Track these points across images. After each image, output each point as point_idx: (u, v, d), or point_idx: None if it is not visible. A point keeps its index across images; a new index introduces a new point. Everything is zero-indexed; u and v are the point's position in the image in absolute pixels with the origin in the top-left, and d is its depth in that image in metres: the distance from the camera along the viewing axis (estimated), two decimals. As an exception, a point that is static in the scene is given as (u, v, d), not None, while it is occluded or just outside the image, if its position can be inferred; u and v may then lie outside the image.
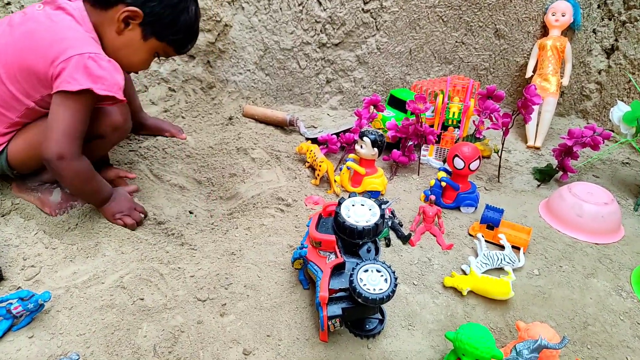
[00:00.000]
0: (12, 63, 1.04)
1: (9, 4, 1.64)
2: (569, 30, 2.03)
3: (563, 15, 1.94)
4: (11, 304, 0.88)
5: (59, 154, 1.03)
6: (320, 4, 1.88)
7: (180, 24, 1.12)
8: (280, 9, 1.86)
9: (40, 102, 1.08)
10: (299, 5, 1.86)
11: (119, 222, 1.19)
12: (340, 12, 1.90)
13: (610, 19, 2.00)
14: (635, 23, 1.92)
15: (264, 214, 1.32)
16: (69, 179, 1.09)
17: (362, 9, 1.91)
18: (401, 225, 1.30)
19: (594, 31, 2.04)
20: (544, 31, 2.05)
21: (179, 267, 1.09)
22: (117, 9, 1.04)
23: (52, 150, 1.02)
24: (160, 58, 1.29)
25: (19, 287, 0.99)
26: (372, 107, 1.58)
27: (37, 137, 1.11)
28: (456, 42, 2.06)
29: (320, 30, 1.93)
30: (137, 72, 1.32)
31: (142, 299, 0.99)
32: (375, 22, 1.95)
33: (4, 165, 1.15)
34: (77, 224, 1.19)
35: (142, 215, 1.23)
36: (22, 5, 1.65)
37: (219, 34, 1.85)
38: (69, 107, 1.02)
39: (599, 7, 2.00)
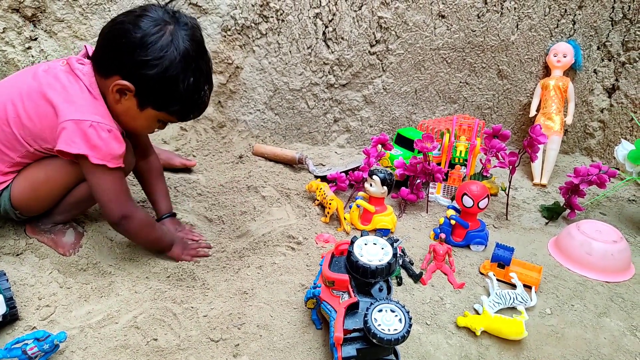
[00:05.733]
0: (23, 110, 1.07)
1: (29, 48, 1.71)
2: (571, 71, 2.08)
3: (564, 57, 2.00)
4: (27, 344, 0.88)
5: (122, 216, 1.11)
6: (328, 47, 1.95)
7: (177, 97, 1.07)
8: (290, 51, 1.93)
9: (39, 149, 1.11)
10: (308, 48, 1.93)
11: (187, 259, 1.27)
12: (348, 55, 1.96)
13: (610, 60, 2.06)
14: (635, 64, 1.98)
15: (275, 252, 1.33)
16: (138, 231, 1.18)
17: (369, 52, 1.98)
18: (412, 264, 1.30)
19: (595, 71, 2.10)
20: (546, 71, 2.10)
21: (192, 307, 1.09)
22: (113, 79, 1.05)
23: (115, 215, 1.10)
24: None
25: (34, 327, 0.99)
26: (380, 145, 1.61)
27: (36, 175, 1.13)
28: (460, 82, 2.11)
29: (328, 72, 1.99)
30: (145, 133, 1.32)
31: (155, 340, 0.99)
32: (382, 64, 2.02)
33: (8, 207, 1.16)
34: (90, 263, 1.20)
35: (208, 250, 1.33)
36: (42, 49, 1.72)
37: (230, 76, 1.91)
38: (104, 173, 1.07)
39: (598, 48, 2.06)
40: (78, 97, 1.05)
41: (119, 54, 1.03)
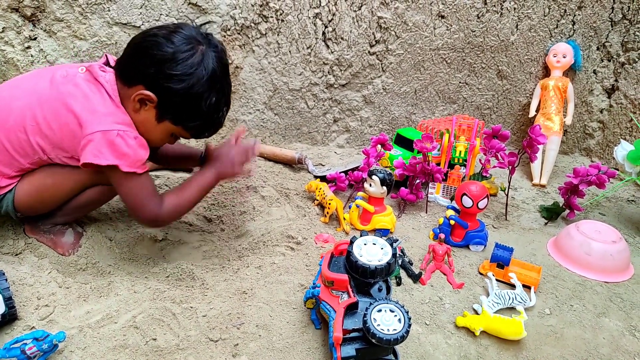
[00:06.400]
0: (42, 118, 1.06)
1: (29, 47, 1.71)
2: (570, 71, 2.08)
3: (564, 57, 2.00)
4: (26, 344, 0.88)
5: (151, 219, 1.12)
6: (327, 47, 1.95)
7: (198, 113, 1.09)
8: (290, 51, 1.93)
9: (54, 159, 1.11)
10: (308, 48, 1.93)
11: (242, 173, 1.25)
12: (347, 55, 1.96)
13: (609, 60, 2.06)
14: (634, 64, 1.98)
15: (275, 252, 1.33)
16: (174, 220, 1.21)
17: (369, 52, 1.98)
18: (411, 264, 1.30)
19: (594, 72, 2.10)
20: (546, 72, 2.11)
21: (191, 307, 1.09)
22: (136, 89, 1.06)
23: (145, 219, 1.12)
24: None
25: (33, 327, 0.99)
26: (379, 145, 1.61)
27: (43, 180, 1.13)
28: (460, 82, 2.11)
29: (328, 72, 1.99)
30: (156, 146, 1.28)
31: (154, 339, 0.99)
32: (381, 64, 2.02)
33: (10, 208, 1.16)
34: (90, 263, 1.21)
35: (253, 143, 1.28)
36: (41, 49, 1.72)
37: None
38: (133, 179, 1.07)
39: (598, 49, 2.06)
40: (101, 106, 1.05)
41: (148, 64, 1.04)
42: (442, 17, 1.96)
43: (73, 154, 1.09)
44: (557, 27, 2.03)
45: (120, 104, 1.08)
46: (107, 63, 1.14)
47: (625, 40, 2.00)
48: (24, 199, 1.15)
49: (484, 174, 1.70)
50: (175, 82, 1.03)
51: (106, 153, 1.02)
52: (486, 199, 1.37)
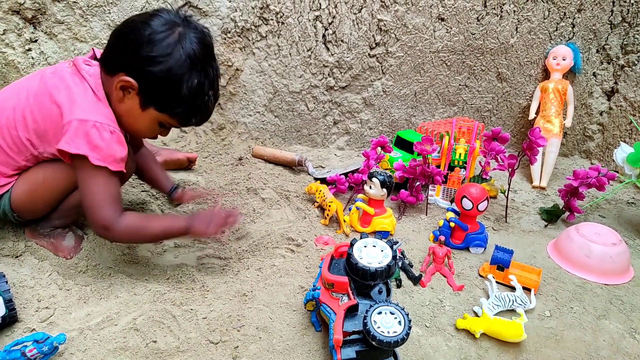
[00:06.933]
0: (29, 112, 1.07)
1: (29, 50, 1.71)
2: (570, 73, 2.09)
3: (564, 59, 2.01)
4: (26, 346, 0.88)
5: (101, 226, 1.06)
6: (328, 49, 1.95)
7: (180, 98, 1.05)
8: (290, 54, 1.93)
9: (43, 152, 1.10)
10: (308, 50, 1.93)
11: (215, 234, 1.17)
12: (347, 57, 1.97)
13: (609, 63, 2.07)
14: (633, 67, 1.99)
15: (275, 255, 1.33)
16: (125, 240, 1.17)
17: (369, 54, 1.98)
18: (411, 266, 1.30)
19: (594, 74, 2.10)
20: (545, 74, 2.11)
21: (191, 309, 1.09)
22: (118, 77, 1.04)
23: (95, 226, 1.07)
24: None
25: (33, 329, 0.99)
26: (379, 148, 1.61)
27: (35, 177, 1.13)
28: (460, 85, 2.12)
29: (328, 74, 2.00)
30: (147, 138, 1.25)
31: (154, 342, 0.99)
32: (381, 66, 2.02)
33: (7, 209, 1.15)
34: (90, 265, 1.20)
35: (237, 215, 1.22)
36: (42, 51, 1.72)
37: (230, 78, 1.92)
38: (101, 176, 1.04)
39: (597, 51, 2.07)
40: (82, 97, 1.05)
41: (126, 50, 1.03)
42: (442, 19, 1.97)
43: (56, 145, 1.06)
44: (556, 30, 2.04)
45: (104, 97, 1.07)
46: (94, 56, 1.13)
47: (625, 42, 2.00)
48: (19, 197, 1.14)
49: (484, 177, 1.70)
50: (153, 64, 1.01)
51: (78, 142, 1.00)
52: (486, 202, 1.37)
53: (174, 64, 1.02)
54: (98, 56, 1.13)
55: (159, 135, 1.19)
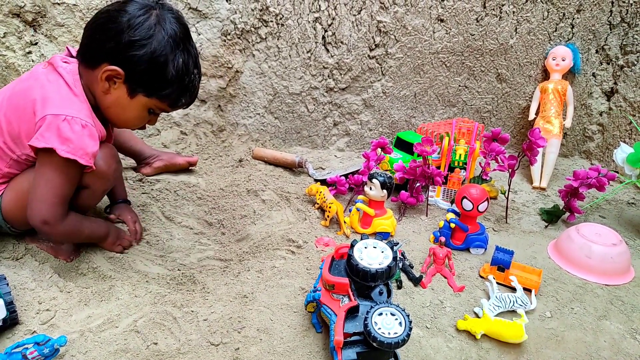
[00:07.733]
0: (3, 116, 1.07)
1: (30, 52, 1.72)
2: (569, 74, 2.09)
3: (563, 60, 2.01)
4: (27, 348, 0.88)
5: (42, 221, 1.05)
6: (327, 51, 1.95)
7: (168, 79, 1.07)
8: (290, 55, 1.93)
9: (21, 156, 1.10)
10: (307, 52, 1.94)
11: (116, 250, 1.27)
12: (347, 59, 1.97)
13: (608, 63, 2.07)
14: (633, 67, 1.99)
15: (275, 256, 1.33)
16: (59, 239, 1.18)
17: (368, 56, 1.98)
18: (412, 267, 1.30)
19: (594, 75, 2.10)
20: (545, 75, 2.11)
21: (192, 311, 1.09)
22: (101, 68, 1.04)
23: (35, 217, 1.05)
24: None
25: (34, 332, 0.99)
26: (379, 149, 1.61)
27: (22, 185, 1.11)
28: (459, 86, 2.12)
29: (328, 76, 2.00)
30: (135, 129, 1.25)
31: (155, 344, 0.99)
32: (381, 68, 2.02)
33: (0, 219, 1.15)
34: (90, 267, 1.20)
35: (134, 240, 1.32)
36: (42, 54, 1.73)
37: (230, 80, 1.92)
38: (49, 171, 1.03)
39: (597, 52, 2.07)
40: (55, 93, 1.04)
41: (106, 39, 1.03)
42: (442, 20, 1.97)
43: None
44: (556, 31, 2.04)
45: (81, 92, 1.07)
46: (70, 55, 1.13)
47: (624, 43, 2.01)
48: (9, 206, 1.14)
49: (484, 177, 1.70)
50: (137, 48, 1.02)
51: (48, 136, 0.99)
52: (486, 202, 1.37)
53: (157, 45, 1.03)
54: (74, 54, 1.12)
55: (148, 124, 1.20)
